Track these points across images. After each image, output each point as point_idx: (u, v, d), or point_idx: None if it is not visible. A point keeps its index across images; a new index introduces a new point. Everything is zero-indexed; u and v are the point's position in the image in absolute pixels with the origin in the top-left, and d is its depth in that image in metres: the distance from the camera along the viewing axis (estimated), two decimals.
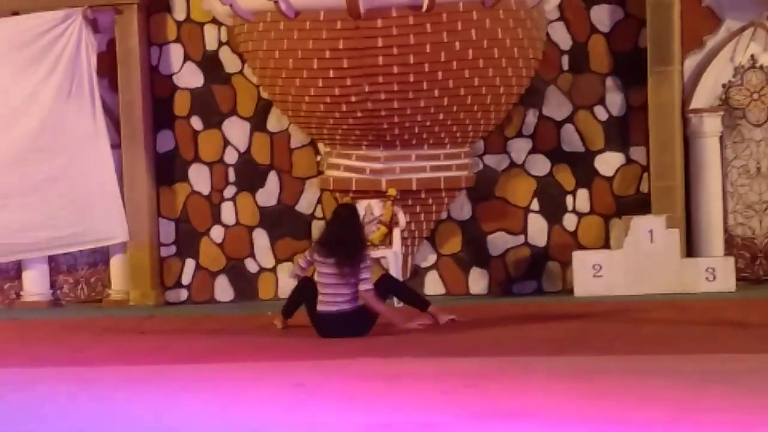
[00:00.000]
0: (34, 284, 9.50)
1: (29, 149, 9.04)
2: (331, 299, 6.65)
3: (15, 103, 9.06)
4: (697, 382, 4.77)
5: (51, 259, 9.49)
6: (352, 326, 6.62)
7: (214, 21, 9.14)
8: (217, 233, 9.38)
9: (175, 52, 9.36)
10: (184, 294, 9.46)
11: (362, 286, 6.61)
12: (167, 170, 9.40)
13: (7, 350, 6.93)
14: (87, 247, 9.29)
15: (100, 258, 9.47)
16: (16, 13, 9.27)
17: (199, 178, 9.38)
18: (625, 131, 9.01)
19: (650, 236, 8.43)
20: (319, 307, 6.70)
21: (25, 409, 4.88)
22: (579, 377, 5.06)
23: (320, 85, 8.27)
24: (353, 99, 8.28)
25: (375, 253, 8.53)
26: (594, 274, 8.49)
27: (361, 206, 8.57)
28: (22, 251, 9.28)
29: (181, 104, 9.38)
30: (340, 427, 4.27)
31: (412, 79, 8.20)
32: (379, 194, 8.60)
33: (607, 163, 9.03)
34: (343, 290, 6.64)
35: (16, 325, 8.37)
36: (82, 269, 9.55)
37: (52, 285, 9.55)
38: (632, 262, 8.41)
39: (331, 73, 8.18)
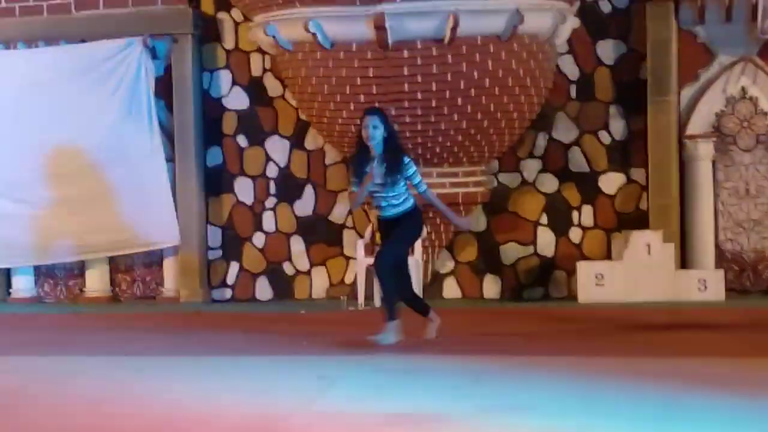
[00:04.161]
0: (96, 281, 9.55)
1: (93, 161, 9.08)
2: (387, 203, 6.16)
3: (81, 119, 9.11)
4: (680, 382, 4.75)
5: (111, 260, 9.53)
6: (410, 224, 6.26)
7: (259, 50, 9.19)
8: (258, 239, 9.42)
9: (225, 77, 9.42)
10: (228, 293, 9.51)
11: (420, 188, 6.23)
12: (215, 182, 9.46)
13: (69, 340, 7.00)
14: (143, 250, 9.31)
15: (154, 259, 9.52)
16: (84, 41, 9.35)
17: (244, 189, 9.43)
18: (626, 154, 8.97)
19: (648, 249, 8.38)
20: (382, 214, 6.25)
21: (80, 395, 4.93)
22: (577, 376, 5.05)
23: (352, 108, 8.29)
24: None
25: None
26: (596, 282, 8.44)
27: None
28: (86, 252, 9.33)
29: (228, 124, 9.43)
30: (358, 416, 4.29)
31: (434, 104, 8.21)
32: None
33: (610, 182, 9.00)
34: (393, 194, 6.15)
35: (79, 318, 8.45)
36: (139, 269, 9.61)
37: (112, 282, 9.59)
38: (631, 273, 8.36)
39: (362, 98, 8.21)
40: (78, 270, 9.62)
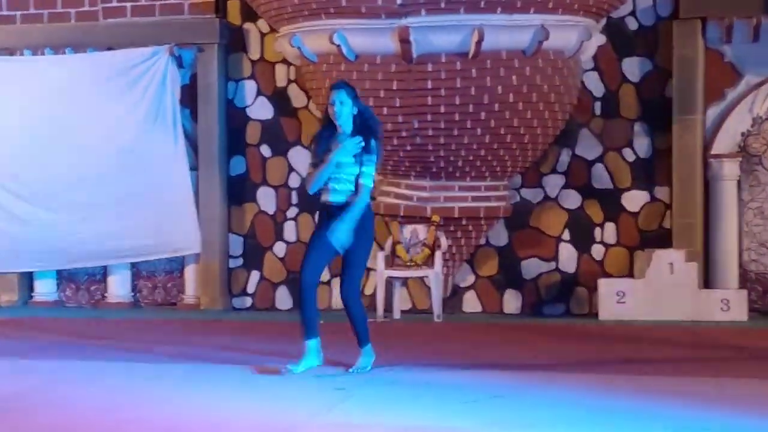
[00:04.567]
0: (117, 287, 9.58)
1: (118, 166, 9.11)
2: (338, 185, 5.52)
3: (107, 125, 9.15)
4: (701, 403, 4.66)
5: (133, 265, 9.55)
6: (364, 242, 5.63)
7: (284, 61, 9.19)
8: (279, 248, 9.39)
9: (249, 87, 9.42)
10: (248, 301, 9.48)
11: (366, 180, 5.49)
12: (238, 191, 9.44)
13: (89, 345, 6.99)
14: (164, 257, 9.33)
15: (176, 266, 9.52)
16: (111, 48, 9.39)
17: (266, 199, 9.41)
18: (650, 172, 8.86)
19: (671, 268, 8.27)
20: (329, 198, 5.58)
21: (96, 400, 4.91)
22: (596, 394, 4.97)
23: None
24: (404, 134, 8.26)
25: (418, 273, 8.52)
26: (618, 300, 8.35)
27: (408, 230, 8.56)
28: (108, 257, 9.36)
29: (252, 133, 9.43)
30: (373, 427, 4.23)
31: (457, 118, 8.16)
32: (425, 220, 8.56)
33: (633, 200, 8.89)
34: (348, 175, 5.52)
35: (99, 323, 8.45)
36: (160, 275, 9.61)
37: (133, 288, 9.61)
38: (653, 291, 8.26)
39: (385, 111, 8.16)
40: (100, 275, 9.65)
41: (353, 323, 5.61)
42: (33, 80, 9.31)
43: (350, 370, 5.53)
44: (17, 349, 6.70)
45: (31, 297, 9.76)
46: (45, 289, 9.72)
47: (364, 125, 5.45)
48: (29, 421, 4.46)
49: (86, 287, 9.74)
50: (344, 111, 5.41)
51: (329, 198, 5.51)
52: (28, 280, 9.77)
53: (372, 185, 5.50)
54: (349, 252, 5.49)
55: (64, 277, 9.75)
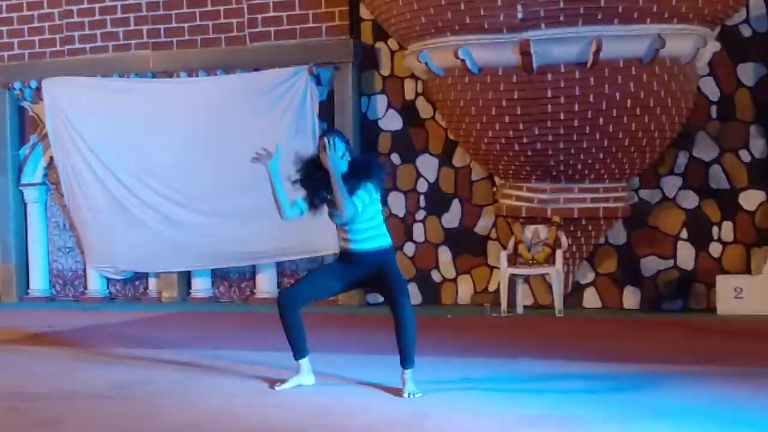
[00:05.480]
0: (265, 284, 9.83)
1: (264, 176, 9.30)
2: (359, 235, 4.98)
3: (253, 139, 9.31)
4: None
5: (278, 264, 9.80)
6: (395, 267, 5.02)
7: (412, 76, 9.28)
8: (409, 248, 9.49)
9: (381, 101, 9.55)
10: (380, 297, 9.57)
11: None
12: None
13: (239, 336, 7.22)
14: (305, 257, 9.53)
15: (316, 264, 9.72)
16: (257, 69, 9.68)
17: (397, 203, 9.52)
18: (766, 172, 8.52)
19: None
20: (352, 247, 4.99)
21: (244, 386, 5.08)
22: (716, 386, 4.83)
23: (497, 128, 8.25)
24: (525, 140, 8.22)
25: (540, 270, 8.46)
26: (735, 295, 8.07)
27: (530, 230, 8.51)
28: (255, 258, 9.65)
29: (383, 143, 9.56)
30: (498, 415, 4.22)
31: (576, 124, 8.06)
32: (545, 221, 8.49)
33: (750, 199, 8.58)
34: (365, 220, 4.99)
35: (249, 317, 8.73)
36: (302, 274, 9.83)
37: (279, 285, 9.82)
38: None
39: (507, 119, 8.15)
40: (249, 273, 9.93)
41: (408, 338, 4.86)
42: (188, 99, 9.66)
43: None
44: (178, 340, 6.99)
45: (189, 293, 10.14)
46: (201, 287, 10.06)
47: (360, 168, 4.88)
48: (193, 404, 4.68)
49: (237, 284, 10.08)
50: (336, 155, 4.82)
51: (349, 247, 4.94)
52: (186, 278, 10.17)
53: (356, 211, 4.81)
54: (392, 280, 4.88)
55: (218, 276, 10.09)
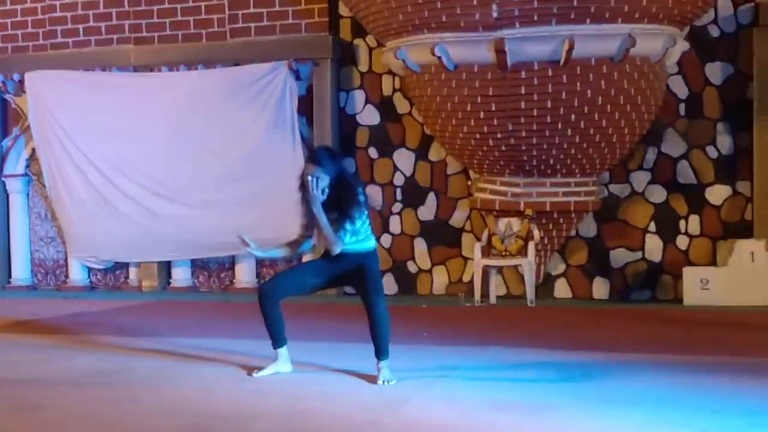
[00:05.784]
0: (244, 274, 9.81)
1: (243, 168, 9.34)
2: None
3: (234, 132, 9.38)
4: None
5: None
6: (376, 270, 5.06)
7: (390, 72, 9.27)
8: (386, 240, 9.49)
9: (359, 96, 9.53)
10: None
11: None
12: None
13: (218, 325, 7.19)
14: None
15: (295, 257, 9.67)
16: (237, 64, 9.63)
17: (373, 196, 9.51)
18: (732, 168, 8.61)
19: (751, 257, 8.05)
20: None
21: (225, 372, 5.04)
22: (682, 373, 4.87)
23: (472, 124, 8.26)
24: (499, 136, 8.24)
25: (512, 261, 8.49)
26: (701, 287, 8.14)
27: (503, 223, 8.53)
28: (235, 248, 9.54)
29: (361, 138, 9.54)
30: (469, 401, 4.23)
31: (549, 120, 8.09)
32: (518, 214, 8.52)
33: (716, 194, 8.66)
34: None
35: (228, 306, 8.69)
36: (281, 264, 9.80)
37: (257, 275, 9.81)
38: (735, 278, 8.05)
39: (481, 115, 8.16)
40: (228, 264, 9.91)
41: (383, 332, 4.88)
42: (169, 93, 9.61)
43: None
44: (158, 328, 6.96)
45: (169, 283, 10.10)
46: (181, 276, 10.02)
47: (340, 200, 4.84)
48: (172, 390, 4.65)
49: (216, 274, 10.04)
50: (319, 191, 4.84)
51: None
52: (166, 268, 10.11)
53: (345, 243, 4.85)
54: (368, 279, 4.88)
55: (197, 266, 10.05)
